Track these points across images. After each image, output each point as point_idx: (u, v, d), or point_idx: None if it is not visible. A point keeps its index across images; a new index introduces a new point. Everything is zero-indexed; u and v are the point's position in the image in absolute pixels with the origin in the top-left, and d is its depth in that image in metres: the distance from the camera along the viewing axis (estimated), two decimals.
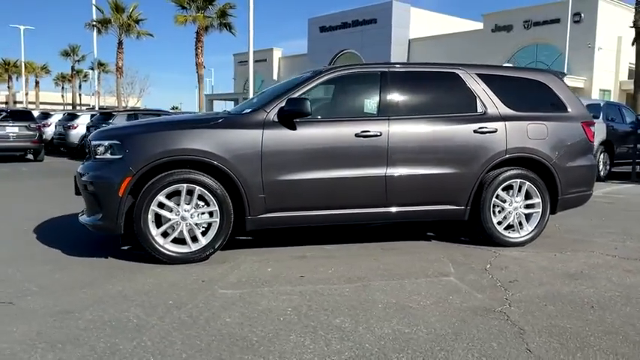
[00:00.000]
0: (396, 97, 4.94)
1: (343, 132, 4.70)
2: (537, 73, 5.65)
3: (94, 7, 31.87)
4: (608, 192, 9.58)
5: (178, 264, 4.35)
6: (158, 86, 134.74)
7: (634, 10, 18.76)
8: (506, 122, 5.06)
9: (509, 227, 5.17)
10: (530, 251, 4.96)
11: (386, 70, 5.02)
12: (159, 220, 4.39)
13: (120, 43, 31.97)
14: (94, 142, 4.55)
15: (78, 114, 19.43)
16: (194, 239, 4.42)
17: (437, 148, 4.89)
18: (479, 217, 5.03)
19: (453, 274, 4.19)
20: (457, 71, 5.17)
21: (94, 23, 31.99)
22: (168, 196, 4.36)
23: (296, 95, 4.66)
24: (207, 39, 29.33)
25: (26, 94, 61.16)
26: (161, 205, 4.35)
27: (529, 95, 5.45)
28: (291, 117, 4.54)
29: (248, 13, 18.55)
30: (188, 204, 4.39)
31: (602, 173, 11.25)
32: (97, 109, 30.68)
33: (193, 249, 4.40)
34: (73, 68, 56.25)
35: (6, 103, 58.93)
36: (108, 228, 4.38)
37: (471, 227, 5.25)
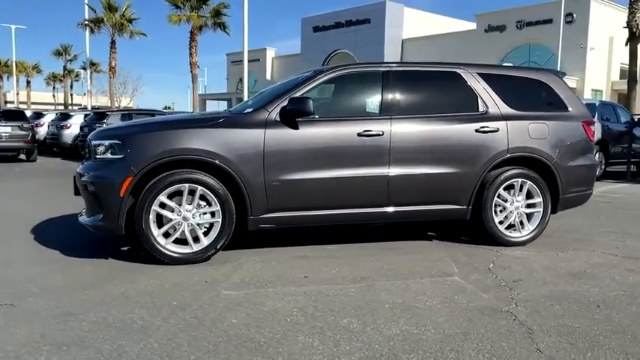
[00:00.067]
0: (397, 96, 4.93)
1: (345, 131, 4.68)
2: (538, 72, 5.66)
3: (86, 7, 31.74)
4: (604, 191, 9.62)
5: (180, 265, 4.30)
6: (150, 86, 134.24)
7: (627, 10, 18.87)
8: (508, 122, 5.05)
9: (510, 227, 5.17)
10: (531, 250, 4.96)
11: (388, 69, 5.01)
12: (160, 221, 4.34)
13: (113, 43, 31.80)
14: (94, 142, 4.50)
15: (71, 114, 19.29)
16: (196, 239, 4.38)
17: (439, 147, 4.88)
18: (480, 216, 5.03)
19: (457, 274, 4.18)
20: (459, 71, 5.16)
21: (87, 22, 31.81)
22: (170, 196, 4.32)
23: (298, 94, 4.63)
24: (199, 39, 29.27)
25: (17, 93, 60.71)
26: (162, 205, 4.31)
27: (530, 95, 5.45)
28: (293, 116, 4.51)
29: (242, 13, 18.47)
30: (190, 204, 4.35)
31: (597, 173, 11.30)
32: (89, 108, 30.46)
33: (195, 249, 4.37)
34: (65, 68, 55.91)
35: None
36: (109, 228, 4.33)
37: (473, 227, 5.24)
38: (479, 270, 4.30)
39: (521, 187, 5.12)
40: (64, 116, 18.93)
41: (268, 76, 55.94)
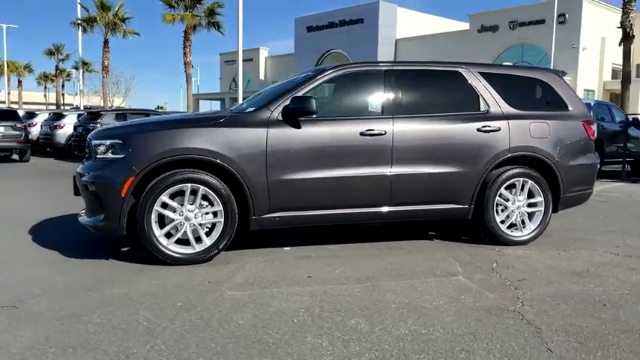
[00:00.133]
0: (399, 95, 4.91)
1: (348, 131, 4.66)
2: (539, 71, 5.66)
3: (79, 6, 31.51)
4: (600, 190, 9.64)
5: (182, 265, 4.27)
6: (141, 86, 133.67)
7: (621, 10, 18.98)
8: (509, 121, 5.05)
9: (511, 226, 5.17)
10: (533, 250, 4.96)
11: (389, 68, 4.99)
12: (162, 221, 4.30)
13: (106, 42, 31.61)
14: (94, 142, 4.45)
15: (64, 113, 19.15)
16: (198, 240, 4.35)
17: (441, 146, 4.87)
18: (482, 216, 5.02)
19: (461, 274, 4.17)
20: (460, 70, 5.15)
21: (79, 22, 31.60)
22: (172, 196, 4.28)
23: (300, 94, 4.60)
24: (192, 39, 29.11)
25: (8, 93, 60.22)
26: (164, 206, 4.27)
27: (531, 94, 5.46)
28: (296, 115, 4.48)
29: (236, 12, 18.42)
30: (192, 204, 4.31)
31: None
32: (81, 108, 30.28)
33: (197, 250, 4.33)
34: (57, 67, 55.51)
35: None
36: (110, 229, 4.29)
37: (474, 226, 5.24)
38: (482, 269, 4.29)
39: (523, 186, 5.12)
40: (57, 116, 18.79)
41: (262, 76, 55.89)
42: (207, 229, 4.39)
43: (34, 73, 64.66)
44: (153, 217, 4.23)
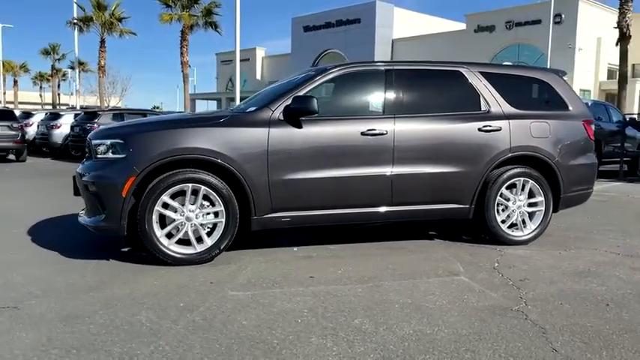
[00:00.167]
0: (400, 94, 4.91)
1: (349, 130, 4.65)
2: (539, 71, 5.67)
3: (75, 5, 31.36)
4: (598, 190, 9.62)
5: (183, 265, 4.25)
6: (137, 86, 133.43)
7: (618, 10, 19.03)
8: (510, 121, 5.05)
9: (512, 225, 5.17)
10: (534, 249, 4.97)
11: (390, 67, 4.99)
12: (163, 221, 4.28)
13: (102, 42, 31.48)
14: (94, 142, 4.43)
15: (61, 113, 19.06)
16: (199, 240, 4.33)
17: (442, 146, 4.86)
18: (483, 215, 5.02)
19: (463, 273, 4.16)
20: (461, 69, 5.15)
21: (76, 21, 31.47)
22: (173, 196, 4.26)
23: (301, 93, 4.59)
24: (189, 39, 29.06)
25: (4, 93, 59.94)
26: (165, 206, 4.25)
27: (531, 93, 5.47)
28: (297, 115, 4.47)
29: (233, 12, 18.38)
30: (193, 204, 4.30)
31: None
32: (78, 108, 30.16)
33: (199, 250, 4.31)
34: (53, 67, 55.31)
35: None
36: (111, 229, 4.27)
37: (475, 226, 5.24)
38: (484, 269, 4.29)
39: (523, 186, 5.13)
40: (54, 116, 18.71)
41: (258, 76, 55.84)
42: (209, 229, 4.37)
43: (30, 73, 64.42)
44: (154, 217, 4.21)
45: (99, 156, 4.36)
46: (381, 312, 3.29)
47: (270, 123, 4.45)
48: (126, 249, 4.76)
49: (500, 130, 4.99)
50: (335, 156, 4.58)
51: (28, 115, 20.51)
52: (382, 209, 4.78)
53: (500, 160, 4.99)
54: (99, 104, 34.47)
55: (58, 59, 54.54)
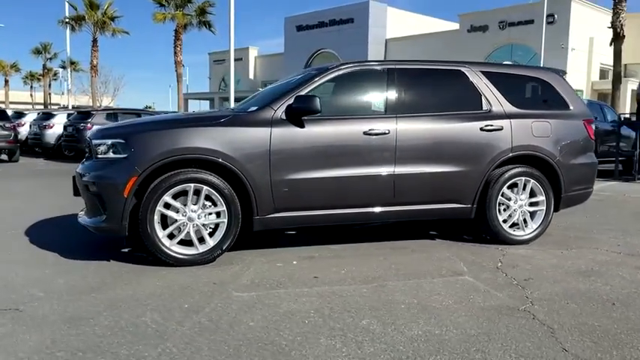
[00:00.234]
0: (402, 94, 4.89)
1: (351, 130, 4.63)
2: (539, 70, 5.68)
3: (67, 4, 31.14)
4: (595, 190, 9.65)
5: (185, 266, 4.21)
6: (128, 85, 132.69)
7: (611, 11, 19.12)
8: (512, 120, 5.05)
9: (513, 225, 5.17)
10: (536, 249, 4.97)
11: (392, 66, 4.97)
12: (164, 222, 4.24)
13: (94, 41, 31.27)
14: (95, 141, 4.38)
15: (54, 113, 18.90)
16: (201, 240, 4.30)
17: (444, 146, 4.85)
18: (485, 215, 5.01)
19: (467, 273, 4.15)
20: (462, 69, 5.14)
21: (68, 20, 31.24)
22: (174, 197, 4.22)
23: (304, 93, 4.57)
24: (182, 38, 28.89)
25: None
26: (167, 206, 4.21)
27: (532, 93, 5.48)
28: (299, 115, 4.44)
29: (227, 11, 18.32)
30: (195, 204, 4.26)
31: None
32: (70, 108, 29.95)
33: (201, 250, 4.27)
34: (44, 66, 54.89)
35: None
36: (112, 230, 4.22)
37: (477, 225, 5.23)
38: (488, 269, 4.28)
39: (525, 185, 5.13)
40: (47, 116, 18.56)
41: (251, 76, 55.74)
42: (211, 230, 4.34)
43: (21, 73, 63.90)
44: (155, 217, 4.17)
45: (99, 156, 4.31)
46: (387, 312, 3.27)
47: (272, 122, 4.42)
48: (126, 250, 4.71)
49: (501, 129, 4.99)
50: (337, 156, 4.56)
51: (20, 114, 20.34)
52: (384, 209, 4.76)
53: (501, 159, 4.99)
54: (91, 104, 34.26)
55: (50, 58, 54.15)
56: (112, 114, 16.62)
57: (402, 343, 2.83)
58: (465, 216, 5.04)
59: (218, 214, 4.32)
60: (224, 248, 4.34)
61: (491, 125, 4.96)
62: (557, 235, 5.55)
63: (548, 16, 32.64)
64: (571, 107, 5.42)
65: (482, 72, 5.18)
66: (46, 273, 4.05)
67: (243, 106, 5.27)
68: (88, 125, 15.29)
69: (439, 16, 68.06)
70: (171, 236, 4.25)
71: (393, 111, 4.79)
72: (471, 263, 4.44)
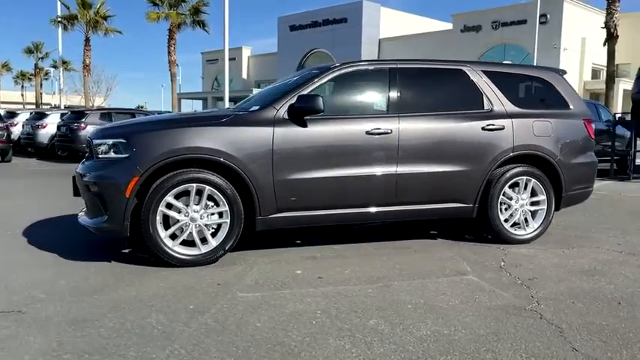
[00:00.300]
0: (404, 93, 4.88)
1: (354, 129, 4.61)
2: (540, 70, 5.68)
3: (59, 3, 30.91)
4: None
5: (188, 267, 4.18)
6: (120, 85, 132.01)
7: (605, 11, 19.23)
8: (513, 119, 5.05)
9: (514, 224, 5.17)
10: (537, 248, 4.97)
11: (394, 65, 4.95)
12: (166, 222, 4.21)
13: (87, 40, 31.10)
14: (95, 141, 4.33)
15: (47, 113, 18.74)
16: (203, 241, 4.26)
17: (446, 145, 4.84)
18: (486, 214, 5.01)
19: (471, 273, 4.15)
20: (464, 68, 5.14)
21: (60, 19, 31.02)
22: (177, 197, 4.19)
23: (306, 92, 4.54)
24: (176, 37, 28.76)
25: None
26: (169, 206, 4.18)
27: (533, 92, 5.49)
28: (302, 114, 4.42)
29: (221, 10, 18.27)
30: (197, 204, 4.23)
31: None
32: (62, 108, 29.73)
33: (203, 251, 4.24)
34: (36, 66, 54.54)
35: None
36: (114, 230, 4.18)
37: (478, 225, 5.23)
38: (491, 268, 4.28)
39: (526, 184, 5.13)
40: (40, 115, 18.40)
41: (244, 75, 55.64)
42: (213, 230, 4.31)
43: (12, 72, 63.47)
44: (158, 217, 4.13)
45: (100, 156, 4.26)
46: (395, 312, 3.25)
47: (275, 122, 4.39)
48: (126, 250, 4.67)
49: (503, 128, 4.99)
50: (340, 155, 4.54)
51: (12, 114, 20.18)
52: (387, 209, 4.75)
53: (503, 158, 4.99)
54: (82, 104, 34.05)
55: (42, 58, 53.86)
56: (106, 114, 16.50)
57: (411, 343, 2.81)
58: (466, 215, 5.04)
59: (220, 215, 4.29)
60: (227, 249, 4.31)
61: (493, 125, 4.96)
62: (557, 235, 5.56)
63: (540, 16, 32.79)
64: (571, 107, 5.43)
65: (484, 71, 5.18)
66: (46, 274, 4.01)
67: (244, 105, 5.24)
68: (82, 125, 15.20)
69: (432, 16, 68.27)
70: (173, 237, 4.21)
71: (395, 110, 4.78)
72: (473, 263, 4.43)
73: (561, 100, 5.42)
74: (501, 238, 5.08)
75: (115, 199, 4.09)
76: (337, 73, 4.78)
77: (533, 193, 5.18)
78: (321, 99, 4.35)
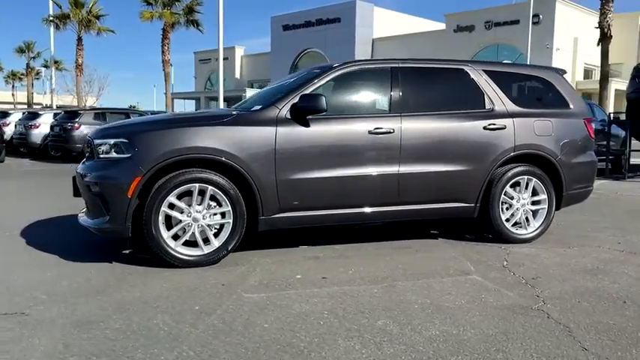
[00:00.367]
0: (407, 93, 4.87)
1: (356, 129, 4.59)
2: (540, 69, 5.69)
3: (51, 2, 30.67)
4: None
5: (190, 267, 4.15)
6: (112, 85, 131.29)
7: (598, 11, 19.33)
8: (514, 119, 5.05)
9: (515, 224, 5.17)
10: (539, 247, 4.98)
11: (396, 65, 4.94)
12: (169, 222, 4.17)
13: (79, 40, 30.89)
14: (96, 141, 4.29)
15: (40, 113, 18.59)
16: (205, 241, 4.23)
17: (448, 145, 4.84)
18: (488, 214, 5.01)
19: (474, 272, 4.14)
20: (465, 68, 5.14)
21: (52, 18, 30.79)
22: (179, 197, 4.16)
23: (308, 91, 4.53)
24: (170, 37, 28.64)
25: None
26: (171, 206, 4.14)
27: (534, 92, 5.50)
28: (304, 113, 4.40)
29: (215, 10, 18.18)
30: (200, 204, 4.20)
31: None
32: (54, 107, 29.52)
33: (206, 251, 4.21)
34: (28, 65, 54.15)
35: None
36: (115, 231, 4.14)
37: (480, 224, 5.23)
38: (494, 268, 4.28)
39: (527, 184, 5.14)
40: (33, 115, 18.25)
41: (237, 75, 55.51)
42: (216, 230, 4.28)
43: (3, 72, 63.03)
44: (160, 218, 4.10)
45: (102, 156, 4.22)
46: (402, 312, 3.24)
47: (277, 122, 4.37)
48: (127, 251, 4.63)
49: (504, 128, 4.99)
50: (343, 155, 4.52)
51: (5, 114, 20.02)
52: (389, 208, 4.74)
53: (504, 158, 4.99)
54: (74, 103, 33.82)
55: (33, 57, 53.50)
56: (100, 114, 16.39)
57: (421, 343, 2.80)
58: (468, 215, 5.04)
59: (223, 215, 4.26)
60: (229, 249, 4.28)
61: (495, 124, 4.97)
62: (557, 234, 5.57)
63: (533, 16, 32.95)
64: (571, 106, 5.45)
65: (485, 71, 5.18)
66: (47, 275, 3.97)
67: (245, 105, 5.21)
68: (76, 125, 15.08)
69: (425, 16, 68.41)
70: (175, 237, 4.18)
71: (397, 110, 4.77)
72: (476, 262, 4.43)
73: (561, 100, 5.43)
74: (503, 238, 5.08)
75: (117, 199, 4.05)
76: (339, 73, 4.76)
77: (535, 193, 5.18)
78: (323, 98, 4.34)
